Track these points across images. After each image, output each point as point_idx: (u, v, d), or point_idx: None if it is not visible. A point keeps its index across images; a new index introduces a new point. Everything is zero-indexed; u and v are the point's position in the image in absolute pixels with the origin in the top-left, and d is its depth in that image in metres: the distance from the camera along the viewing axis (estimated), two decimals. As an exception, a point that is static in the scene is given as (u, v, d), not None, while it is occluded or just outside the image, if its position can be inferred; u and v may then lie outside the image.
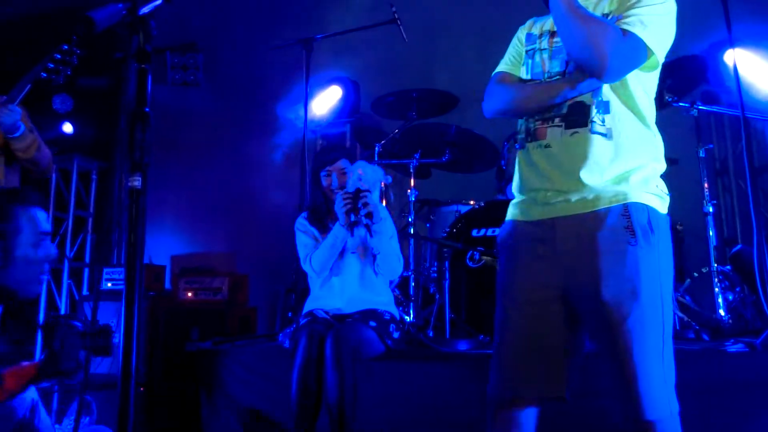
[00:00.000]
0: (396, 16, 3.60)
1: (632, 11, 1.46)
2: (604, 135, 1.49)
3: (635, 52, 1.45)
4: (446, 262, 3.14)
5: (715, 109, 3.33)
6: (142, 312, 1.01)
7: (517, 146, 1.66)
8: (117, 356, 3.77)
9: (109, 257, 5.47)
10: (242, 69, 5.50)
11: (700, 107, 3.22)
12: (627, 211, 1.46)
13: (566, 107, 1.52)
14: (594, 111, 1.49)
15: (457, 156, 3.55)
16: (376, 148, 3.63)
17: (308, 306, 2.77)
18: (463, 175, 4.00)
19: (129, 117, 1.04)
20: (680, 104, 3.22)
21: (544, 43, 1.60)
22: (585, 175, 1.47)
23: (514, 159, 1.68)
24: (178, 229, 5.59)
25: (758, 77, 3.90)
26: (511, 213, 1.65)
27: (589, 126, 1.48)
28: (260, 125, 5.55)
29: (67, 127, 4.71)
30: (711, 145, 3.29)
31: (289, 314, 3.93)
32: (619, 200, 1.47)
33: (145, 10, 1.06)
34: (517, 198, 1.64)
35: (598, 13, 1.53)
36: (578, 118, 1.50)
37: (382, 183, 2.76)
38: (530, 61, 1.62)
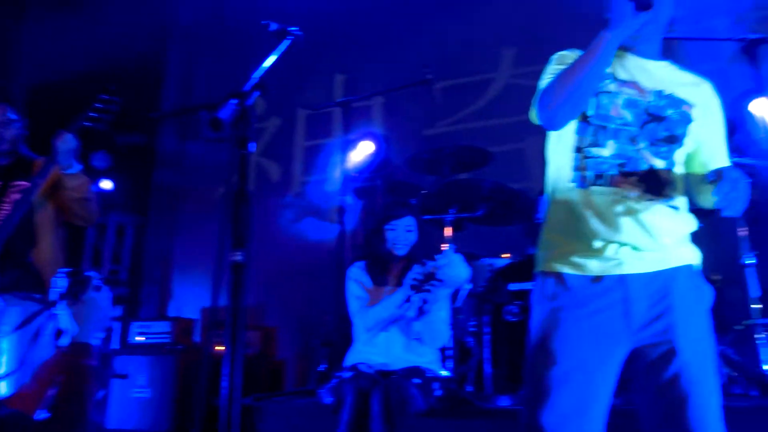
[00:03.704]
0: (429, 77, 3.74)
1: None
2: (675, 209, 1.55)
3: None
4: (485, 317, 3.16)
5: (747, 160, 3.37)
6: (239, 377, 1.06)
7: (578, 184, 1.54)
8: (143, 410, 3.72)
9: (139, 311, 5.54)
10: (274, 125, 5.71)
11: (734, 159, 3.27)
12: (695, 271, 1.52)
13: (646, 168, 1.52)
14: (668, 186, 1.54)
15: (491, 210, 3.60)
16: (412, 203, 3.70)
17: (351, 359, 2.78)
18: (498, 229, 4.06)
19: (233, 197, 1.12)
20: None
21: (610, 87, 1.56)
22: (660, 236, 1.50)
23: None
24: (207, 281, 5.66)
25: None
26: (557, 265, 1.53)
27: (665, 199, 1.53)
28: (290, 179, 5.70)
29: (107, 184, 4.86)
30: (748, 197, 3.30)
31: (322, 368, 3.93)
32: (686, 261, 1.52)
33: (249, 102, 1.17)
34: (565, 245, 1.54)
35: None
36: (657, 188, 1.52)
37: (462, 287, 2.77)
38: (594, 100, 1.55)
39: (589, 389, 1.45)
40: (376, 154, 4.46)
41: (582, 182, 1.53)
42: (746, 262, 3.15)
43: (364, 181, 4.52)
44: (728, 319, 3.54)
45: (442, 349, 3.39)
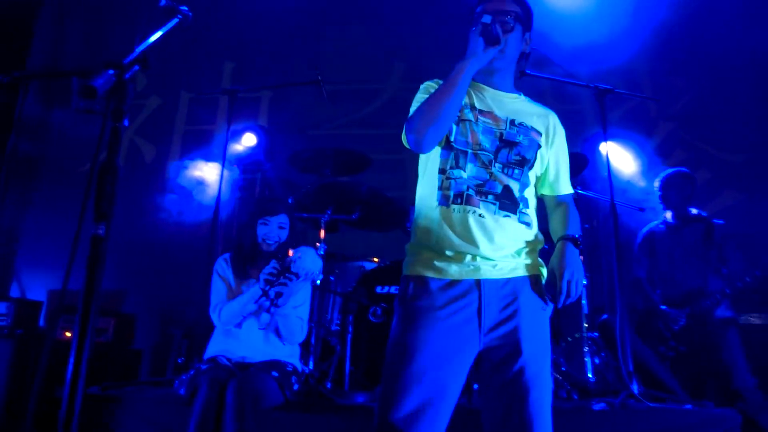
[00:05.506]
0: (319, 78, 3.79)
1: None
2: (527, 224, 1.74)
3: None
4: (350, 316, 3.25)
5: (590, 194, 3.78)
6: (86, 361, 1.03)
7: (440, 202, 1.71)
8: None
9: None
10: (154, 104, 5.46)
11: (579, 191, 3.66)
12: (538, 280, 1.71)
13: (501, 188, 1.71)
14: (521, 204, 1.73)
15: (366, 214, 3.72)
16: (288, 201, 3.71)
17: (210, 351, 2.76)
18: (370, 233, 4.18)
19: (99, 168, 1.10)
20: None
21: (470, 116, 1.75)
22: (510, 248, 1.69)
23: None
24: (59, 262, 5.26)
25: (622, 165, 4.58)
26: (421, 269, 1.68)
27: (518, 215, 1.72)
28: (164, 162, 5.47)
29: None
30: (587, 225, 3.72)
31: (180, 360, 3.82)
32: (532, 271, 1.71)
33: (127, 75, 1.15)
34: (428, 253, 1.69)
35: None
36: (511, 205, 1.71)
37: (315, 280, 2.81)
38: (455, 127, 1.74)
39: (439, 387, 1.56)
40: (258, 147, 4.44)
41: (444, 201, 1.70)
42: (582, 282, 3.52)
43: (243, 173, 4.48)
44: (563, 331, 3.94)
45: (305, 345, 3.45)
